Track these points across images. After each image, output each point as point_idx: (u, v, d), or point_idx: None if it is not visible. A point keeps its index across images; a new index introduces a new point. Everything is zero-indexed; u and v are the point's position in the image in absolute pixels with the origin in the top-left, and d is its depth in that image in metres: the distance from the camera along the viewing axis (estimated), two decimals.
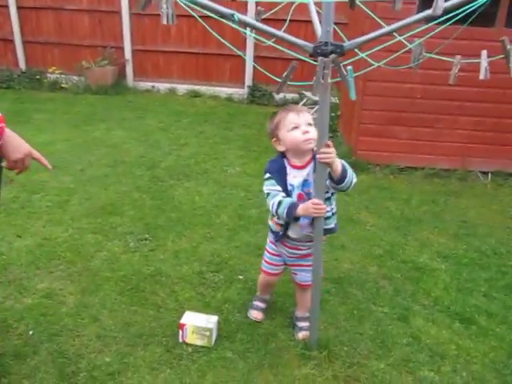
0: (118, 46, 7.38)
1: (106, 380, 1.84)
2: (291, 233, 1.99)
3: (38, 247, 2.80)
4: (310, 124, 1.85)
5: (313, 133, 1.82)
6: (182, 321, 2.05)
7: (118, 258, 2.72)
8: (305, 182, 1.92)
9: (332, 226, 1.99)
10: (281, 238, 2.02)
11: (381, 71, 3.97)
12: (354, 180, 1.83)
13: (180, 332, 2.04)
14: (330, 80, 1.23)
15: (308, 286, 2.08)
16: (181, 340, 2.05)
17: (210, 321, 2.06)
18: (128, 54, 7.42)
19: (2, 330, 2.06)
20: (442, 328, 2.23)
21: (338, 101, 5.85)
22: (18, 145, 1.49)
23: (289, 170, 1.93)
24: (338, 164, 1.75)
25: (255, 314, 2.24)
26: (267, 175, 1.95)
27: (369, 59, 1.39)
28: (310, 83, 1.23)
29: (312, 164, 1.91)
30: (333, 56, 1.18)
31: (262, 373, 1.91)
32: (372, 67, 1.47)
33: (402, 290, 2.53)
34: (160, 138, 5.11)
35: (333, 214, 1.98)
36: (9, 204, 3.32)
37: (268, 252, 2.15)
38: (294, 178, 1.92)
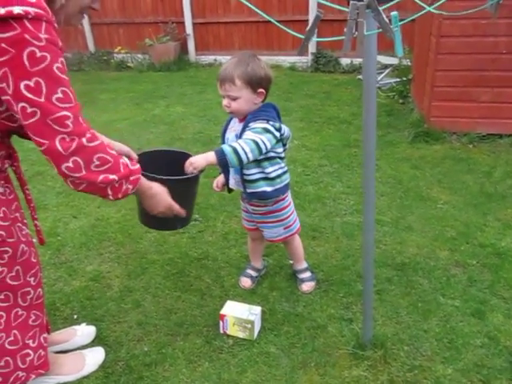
0: (179, 21, 7.31)
1: (142, 371, 1.76)
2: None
3: (91, 228, 2.81)
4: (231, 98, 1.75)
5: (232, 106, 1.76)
6: (223, 311, 1.91)
7: (166, 239, 2.64)
8: (238, 138, 1.81)
9: (262, 189, 1.87)
10: (230, 190, 2.01)
11: (457, 24, 3.47)
12: (250, 154, 1.68)
13: (220, 323, 1.90)
14: (367, 32, 0.95)
15: (277, 241, 2.10)
16: (222, 331, 1.91)
17: (252, 312, 1.89)
18: (189, 28, 7.33)
19: (49, 313, 2.07)
20: None
21: (410, 63, 5.31)
22: (158, 200, 1.49)
23: (233, 122, 1.90)
24: (203, 162, 1.65)
25: (243, 282, 2.20)
26: None
27: (420, 2, 1.06)
28: (342, 38, 0.97)
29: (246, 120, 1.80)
30: None
31: (307, 372, 1.72)
32: (423, 12, 1.13)
33: (478, 279, 2.18)
34: (218, 113, 4.96)
35: (266, 178, 1.85)
36: None
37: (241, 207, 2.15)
38: (234, 131, 1.86)
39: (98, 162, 1.25)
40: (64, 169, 1.22)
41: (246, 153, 1.67)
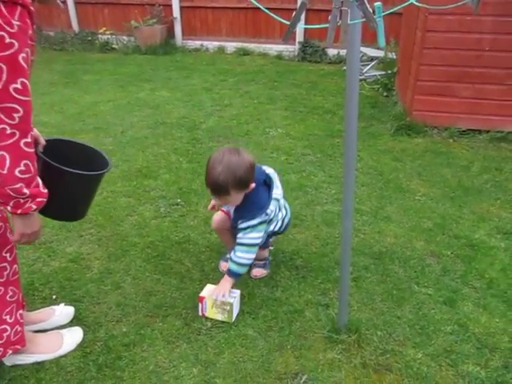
0: (166, 4, 7.21)
1: (120, 351, 1.78)
2: None
3: None
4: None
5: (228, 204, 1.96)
6: (202, 294, 1.93)
7: (147, 223, 2.65)
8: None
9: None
10: None
11: (443, 20, 3.51)
12: (250, 256, 1.94)
13: (199, 305, 1.93)
14: (350, 21, 0.97)
15: None
16: (200, 314, 1.94)
17: (231, 295, 1.92)
18: (176, 12, 7.24)
19: (28, 293, 2.06)
20: (494, 316, 1.96)
21: (395, 56, 5.36)
22: (36, 218, 1.37)
23: None
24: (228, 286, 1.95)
25: (223, 266, 2.24)
26: None
27: None
28: (326, 25, 0.99)
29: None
30: None
31: (283, 354, 1.76)
32: (406, 3, 1.15)
33: (451, 269, 2.25)
34: (204, 99, 4.95)
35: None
36: None
37: None
38: None
39: (23, 168, 1.20)
40: None
41: (247, 259, 1.92)
